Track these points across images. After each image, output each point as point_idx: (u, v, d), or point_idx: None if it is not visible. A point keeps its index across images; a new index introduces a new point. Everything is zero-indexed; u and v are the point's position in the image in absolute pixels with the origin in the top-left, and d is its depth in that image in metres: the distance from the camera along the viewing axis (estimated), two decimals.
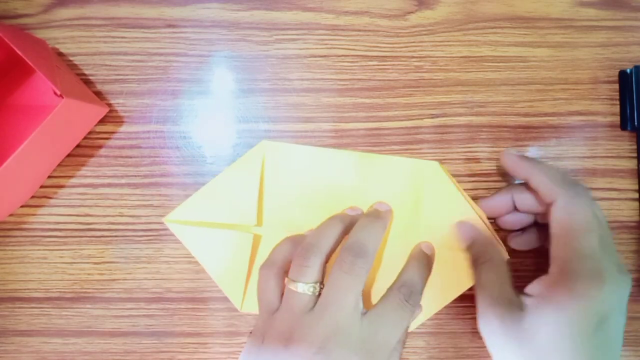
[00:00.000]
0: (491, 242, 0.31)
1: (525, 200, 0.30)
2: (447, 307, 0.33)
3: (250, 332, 0.29)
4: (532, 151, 0.34)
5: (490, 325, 0.27)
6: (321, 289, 0.28)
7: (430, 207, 0.32)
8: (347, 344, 0.26)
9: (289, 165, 0.32)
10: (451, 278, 0.31)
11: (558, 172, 0.29)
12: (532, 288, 0.27)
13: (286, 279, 0.28)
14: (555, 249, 0.27)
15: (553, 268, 0.27)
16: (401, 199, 0.32)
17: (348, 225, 0.30)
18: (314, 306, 0.27)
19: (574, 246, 0.26)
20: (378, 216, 0.31)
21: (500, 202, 0.31)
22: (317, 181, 0.32)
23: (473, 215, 0.32)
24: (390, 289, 0.29)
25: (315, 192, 0.32)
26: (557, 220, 0.27)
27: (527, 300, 0.26)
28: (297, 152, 0.33)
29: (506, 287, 0.28)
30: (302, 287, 0.27)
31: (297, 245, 0.30)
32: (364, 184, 0.32)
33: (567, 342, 0.25)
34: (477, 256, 0.30)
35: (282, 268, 0.29)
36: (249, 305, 0.32)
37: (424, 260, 0.31)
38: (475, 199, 0.33)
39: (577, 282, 0.25)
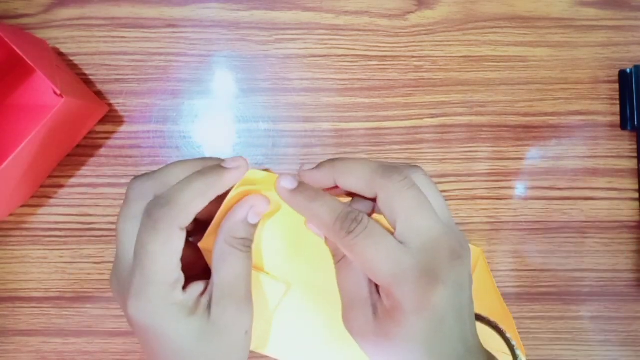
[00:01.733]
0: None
1: (349, 178, 0.26)
2: None
3: None
4: (532, 151, 0.34)
5: (362, 325, 0.25)
6: None
7: None
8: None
9: None
10: None
11: (332, 211, 0.24)
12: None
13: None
14: (373, 279, 0.24)
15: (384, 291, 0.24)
16: None
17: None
18: None
19: (381, 277, 0.23)
20: (211, 173, 0.25)
21: (320, 175, 0.26)
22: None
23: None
24: None
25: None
26: (388, 212, 0.24)
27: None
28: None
29: (364, 284, 0.25)
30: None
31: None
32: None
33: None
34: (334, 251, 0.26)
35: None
36: (273, 350, 0.29)
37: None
38: (475, 198, 0.33)
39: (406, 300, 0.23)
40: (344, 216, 0.24)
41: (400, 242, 0.24)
